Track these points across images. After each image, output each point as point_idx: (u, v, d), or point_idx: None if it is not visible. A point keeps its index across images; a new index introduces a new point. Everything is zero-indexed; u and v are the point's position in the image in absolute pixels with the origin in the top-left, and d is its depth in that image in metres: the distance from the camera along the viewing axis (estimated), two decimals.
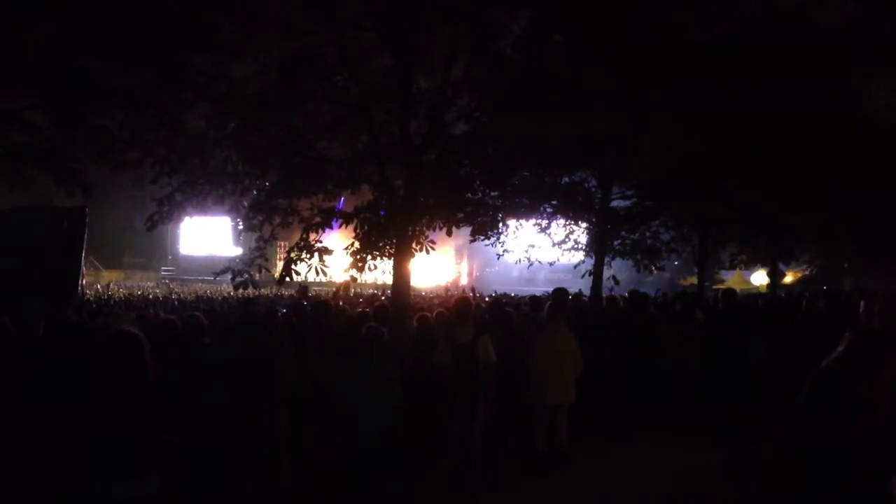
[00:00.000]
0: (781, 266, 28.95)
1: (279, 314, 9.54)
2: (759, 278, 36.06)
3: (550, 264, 17.61)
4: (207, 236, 44.44)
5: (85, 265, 10.36)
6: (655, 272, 16.88)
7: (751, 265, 29.53)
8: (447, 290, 21.52)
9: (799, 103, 12.31)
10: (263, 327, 6.80)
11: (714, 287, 27.27)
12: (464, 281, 40.50)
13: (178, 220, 11.44)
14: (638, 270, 15.55)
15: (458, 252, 42.94)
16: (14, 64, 7.79)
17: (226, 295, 19.59)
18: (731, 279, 36.91)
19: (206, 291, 23.84)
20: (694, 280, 21.93)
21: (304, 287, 13.27)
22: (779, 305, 13.64)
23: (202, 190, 10.80)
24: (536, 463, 7.52)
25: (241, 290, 10.82)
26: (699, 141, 11.73)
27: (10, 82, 8.18)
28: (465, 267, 45.01)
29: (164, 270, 46.20)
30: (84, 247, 9.40)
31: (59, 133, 9.33)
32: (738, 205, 14.81)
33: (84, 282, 11.82)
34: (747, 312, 10.50)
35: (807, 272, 33.82)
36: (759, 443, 8.17)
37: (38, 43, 7.76)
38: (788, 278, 36.10)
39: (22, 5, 7.20)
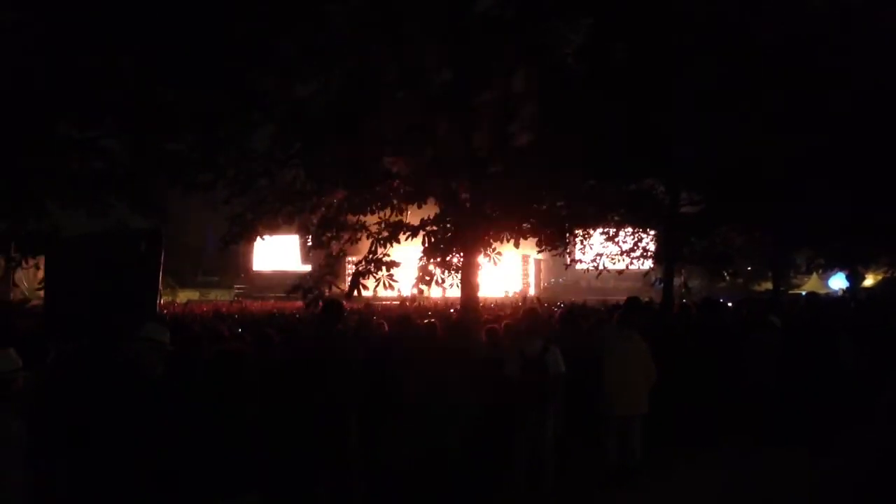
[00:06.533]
0: (860, 269, 27.91)
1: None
2: (838, 282, 34.87)
3: (620, 273, 17.39)
4: (278, 254, 45.25)
5: (162, 285, 10.64)
6: (728, 278, 16.48)
7: (828, 269, 28.56)
8: (521, 300, 21.41)
9: (873, 100, 11.94)
10: (334, 340, 6.90)
11: (790, 292, 26.51)
12: (532, 291, 40.26)
13: (250, 239, 11.70)
14: (710, 277, 15.22)
15: (526, 262, 42.71)
16: (92, 95, 8.10)
17: (297, 311, 19.86)
18: (807, 283, 35.81)
19: (276, 308, 24.22)
20: (769, 285, 21.34)
21: (369, 302, 13.39)
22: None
23: (272, 209, 11.03)
24: (609, 476, 7.42)
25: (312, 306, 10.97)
26: (772, 142, 11.47)
27: (88, 112, 8.51)
28: (532, 277, 44.73)
29: (237, 288, 47.11)
30: (161, 267, 9.66)
31: (134, 159, 9.66)
32: (816, 206, 14.36)
33: (161, 301, 12.16)
34: (835, 316, 10.16)
35: (888, 274, 32.57)
36: (848, 453, 7.91)
37: (114, 74, 8.04)
38: (868, 281, 34.84)
39: (99, 39, 7.49)
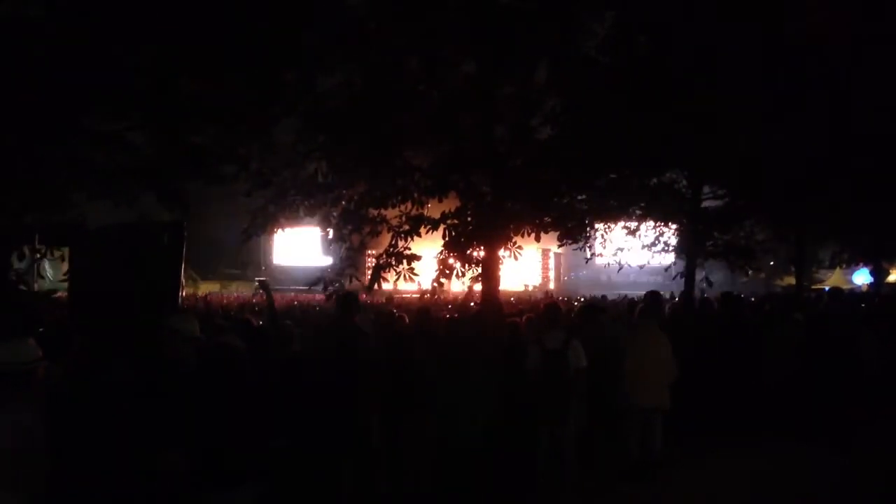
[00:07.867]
0: (885, 264, 27.60)
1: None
2: (861, 278, 34.51)
3: (640, 267, 17.32)
4: (298, 247, 45.36)
5: (184, 277, 10.74)
6: (750, 273, 16.35)
7: (852, 263, 28.29)
8: (544, 294, 21.37)
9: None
10: (355, 332, 6.93)
11: (813, 287, 26.27)
12: (552, 286, 40.14)
13: (271, 231, 11.78)
14: (732, 272, 15.09)
15: (546, 256, 42.54)
16: (117, 87, 8.15)
17: (317, 303, 19.95)
18: (830, 279, 35.49)
19: (297, 300, 24.32)
20: (791, 280, 21.11)
21: (390, 296, 13.44)
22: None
23: (294, 202, 11.09)
24: (629, 470, 7.41)
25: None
26: (794, 137, 11.36)
27: (113, 105, 8.56)
28: (552, 271, 44.55)
29: (258, 280, 47.20)
30: (183, 259, 9.74)
31: (157, 152, 9.73)
32: (839, 201, 14.21)
33: (184, 293, 12.26)
34: (857, 311, 10.09)
35: None
36: (870, 449, 7.85)
37: (136, 65, 8.09)
38: (893, 276, 34.44)
39: (121, 30, 7.53)
